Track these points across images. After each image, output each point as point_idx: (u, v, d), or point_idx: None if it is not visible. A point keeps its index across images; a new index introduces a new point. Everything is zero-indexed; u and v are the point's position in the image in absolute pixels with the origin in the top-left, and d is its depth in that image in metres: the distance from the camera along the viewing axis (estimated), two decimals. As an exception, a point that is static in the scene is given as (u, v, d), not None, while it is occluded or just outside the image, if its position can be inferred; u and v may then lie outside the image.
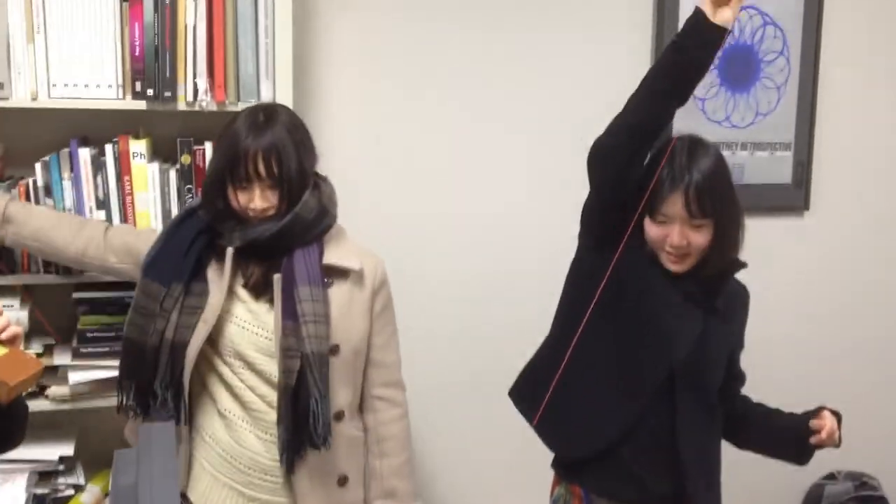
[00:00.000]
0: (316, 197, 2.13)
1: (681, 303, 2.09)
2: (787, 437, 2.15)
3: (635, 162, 2.00)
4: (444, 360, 3.02)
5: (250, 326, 2.11)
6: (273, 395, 2.10)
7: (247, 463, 2.12)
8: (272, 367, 2.09)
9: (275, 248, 2.09)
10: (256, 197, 2.05)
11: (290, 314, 2.05)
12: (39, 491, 2.46)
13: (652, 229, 2.05)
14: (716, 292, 2.12)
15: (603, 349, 2.13)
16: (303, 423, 2.06)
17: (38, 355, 2.45)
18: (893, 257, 3.44)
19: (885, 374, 3.45)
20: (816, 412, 2.12)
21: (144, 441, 1.39)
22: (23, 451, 2.40)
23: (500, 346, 2.95)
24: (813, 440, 2.08)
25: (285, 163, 2.05)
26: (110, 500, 1.26)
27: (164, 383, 2.09)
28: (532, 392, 2.24)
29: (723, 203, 2.03)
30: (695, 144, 2.06)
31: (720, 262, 2.08)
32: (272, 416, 2.09)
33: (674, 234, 2.01)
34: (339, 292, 2.14)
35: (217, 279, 2.11)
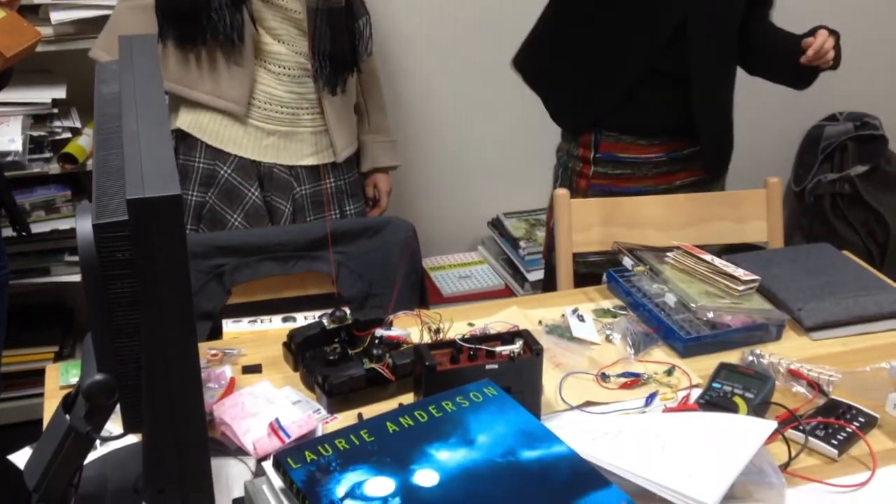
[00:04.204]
0: None
1: None
2: (785, 56, 2.06)
3: None
4: (440, 15, 2.91)
5: None
6: (286, 28, 2.07)
7: (263, 98, 2.12)
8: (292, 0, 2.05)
9: None
10: None
11: None
12: (36, 133, 2.45)
13: None
14: None
15: (606, 15, 2.04)
16: (346, 46, 2.10)
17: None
18: None
19: (892, 15, 3.33)
20: (813, 31, 2.02)
21: (125, 52, 1.34)
22: (14, 94, 2.40)
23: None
24: (802, 59, 1.98)
25: None
26: (95, 109, 1.22)
27: (224, 3, 1.97)
28: (536, 67, 2.20)
29: None
30: None
31: None
32: (279, 48, 2.08)
33: None
34: None
35: None
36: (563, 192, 2.05)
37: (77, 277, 2.56)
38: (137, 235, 0.95)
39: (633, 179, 2.18)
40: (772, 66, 2.18)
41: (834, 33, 2.00)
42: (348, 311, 1.59)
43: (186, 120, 2.13)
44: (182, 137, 2.15)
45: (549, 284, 2.37)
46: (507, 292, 3.01)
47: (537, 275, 2.84)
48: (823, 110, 3.33)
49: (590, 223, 2.07)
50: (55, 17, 2.37)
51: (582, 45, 2.10)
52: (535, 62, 2.21)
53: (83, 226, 1.01)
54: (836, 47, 2.00)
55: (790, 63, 2.04)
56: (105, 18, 2.38)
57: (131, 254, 0.97)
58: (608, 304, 1.79)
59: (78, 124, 2.52)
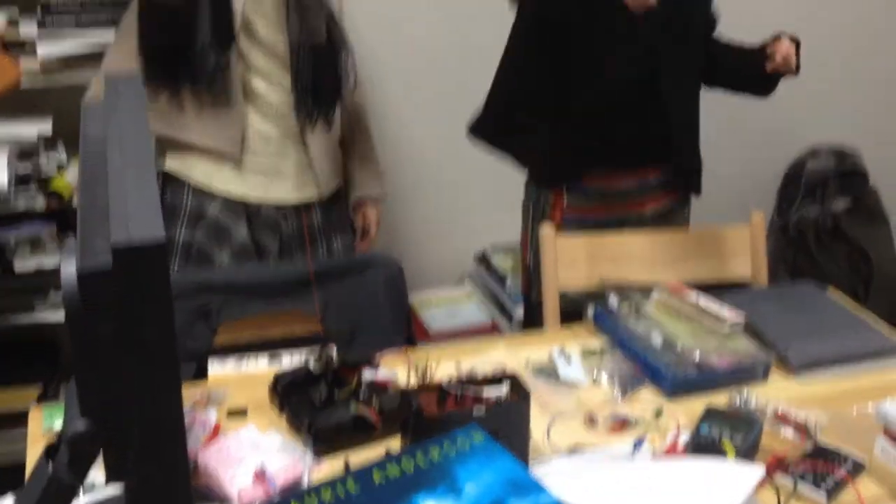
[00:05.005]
0: None
1: None
2: (748, 65, 2.08)
3: None
4: (425, 50, 2.93)
5: None
6: (270, 65, 2.07)
7: (251, 136, 2.11)
8: (273, 35, 2.05)
9: None
10: None
11: None
12: (22, 169, 2.44)
13: None
14: None
15: (579, 47, 2.05)
16: (329, 81, 2.09)
17: (3, 29, 2.36)
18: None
19: (872, 50, 3.37)
20: (774, 39, 2.03)
21: (111, 94, 1.34)
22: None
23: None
24: (768, 67, 2.01)
25: None
26: (80, 151, 1.22)
27: (208, 45, 1.96)
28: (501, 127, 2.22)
29: None
30: None
31: None
32: (264, 86, 2.08)
33: None
34: None
35: None
36: (549, 230, 2.06)
37: (62, 316, 2.53)
38: (122, 280, 0.95)
39: (607, 209, 2.18)
40: (733, 76, 2.20)
41: (795, 40, 2.03)
42: (335, 352, 1.58)
43: (174, 164, 2.13)
44: (169, 178, 2.14)
45: (530, 321, 2.37)
46: (494, 328, 3.00)
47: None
48: (805, 144, 3.35)
49: (575, 260, 2.08)
50: (42, 51, 2.36)
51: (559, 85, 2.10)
52: (503, 120, 2.22)
53: (67, 269, 1.00)
54: (797, 53, 2.03)
55: (753, 72, 2.07)
56: (93, 54, 2.39)
57: (116, 299, 0.97)
58: (595, 343, 1.79)
59: (64, 159, 2.51)
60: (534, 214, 2.26)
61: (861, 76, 3.37)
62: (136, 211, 0.97)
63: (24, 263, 2.50)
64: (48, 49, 2.36)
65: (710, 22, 2.19)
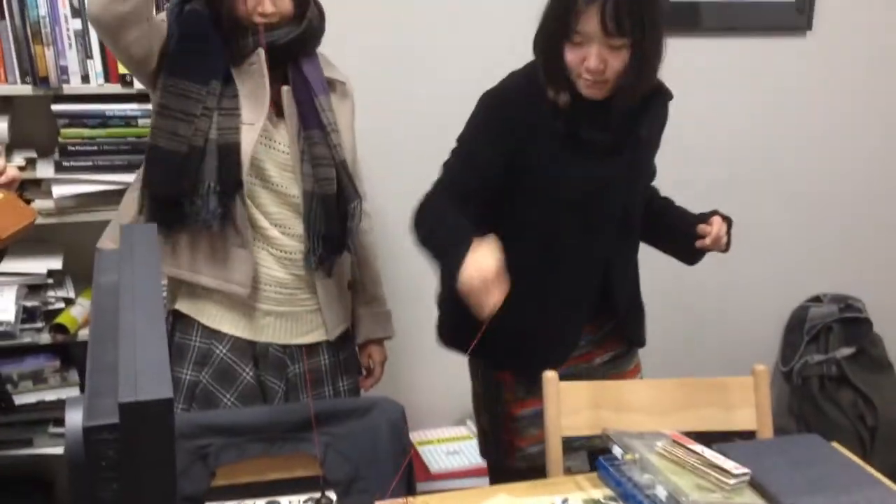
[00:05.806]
0: (314, 3, 2.11)
1: (598, 166, 2.03)
2: (678, 236, 2.14)
3: None
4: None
5: (264, 140, 2.06)
6: (283, 213, 2.10)
7: (264, 280, 2.12)
8: (288, 183, 2.09)
9: (285, 56, 2.06)
10: (267, 1, 1.99)
11: (315, 123, 2.07)
12: (29, 304, 2.46)
13: (569, 53, 1.93)
14: (639, 123, 2.04)
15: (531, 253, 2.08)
16: (339, 228, 2.11)
17: (21, 168, 2.41)
18: (893, 80, 3.36)
19: (873, 199, 3.44)
20: (709, 216, 2.09)
21: (126, 241, 1.37)
22: (10, 265, 2.43)
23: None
24: (697, 244, 2.07)
25: None
26: (92, 300, 1.24)
27: (211, 190, 1.99)
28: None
29: (643, 22, 1.88)
30: None
31: (640, 86, 1.97)
32: (277, 234, 2.11)
33: (591, 58, 1.90)
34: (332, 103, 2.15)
35: (248, 80, 2.03)
36: (552, 375, 2.06)
37: (60, 450, 2.51)
38: (127, 438, 0.95)
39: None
40: (661, 240, 2.24)
41: (727, 219, 2.09)
42: (334, 498, 1.56)
43: (185, 305, 2.14)
44: (179, 316, 2.15)
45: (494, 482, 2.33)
46: (495, 470, 2.96)
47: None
48: (807, 291, 3.38)
49: (577, 407, 2.06)
50: (57, 191, 2.42)
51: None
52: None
53: (73, 420, 1.01)
54: (728, 233, 2.09)
55: (684, 243, 2.12)
56: (107, 194, 2.45)
57: (120, 454, 0.97)
58: (598, 493, 1.77)
59: (72, 294, 2.53)
60: (484, 370, 2.32)
61: (862, 224, 3.43)
62: (144, 368, 0.98)
63: (25, 398, 2.49)
64: (63, 190, 2.42)
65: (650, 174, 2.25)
